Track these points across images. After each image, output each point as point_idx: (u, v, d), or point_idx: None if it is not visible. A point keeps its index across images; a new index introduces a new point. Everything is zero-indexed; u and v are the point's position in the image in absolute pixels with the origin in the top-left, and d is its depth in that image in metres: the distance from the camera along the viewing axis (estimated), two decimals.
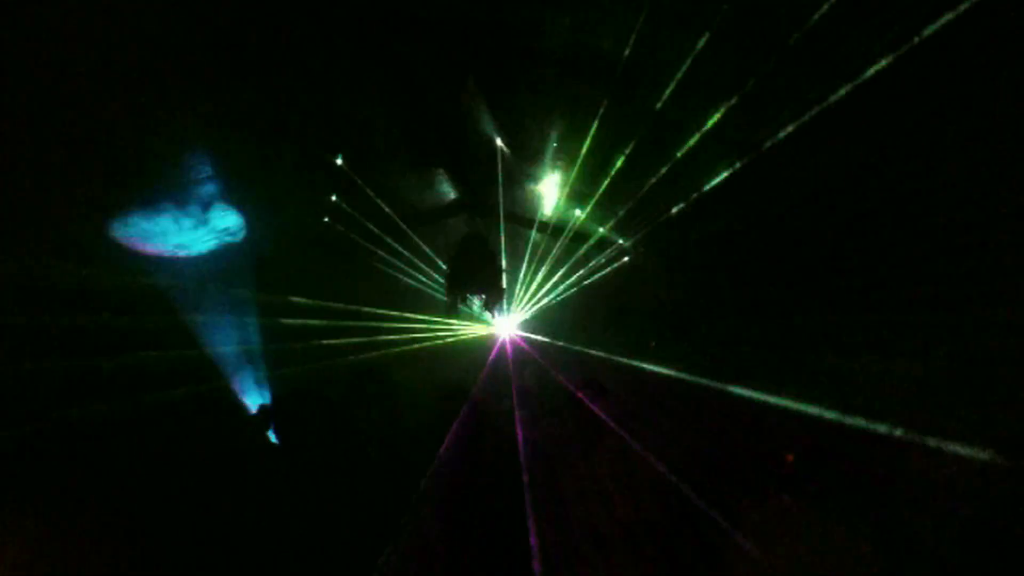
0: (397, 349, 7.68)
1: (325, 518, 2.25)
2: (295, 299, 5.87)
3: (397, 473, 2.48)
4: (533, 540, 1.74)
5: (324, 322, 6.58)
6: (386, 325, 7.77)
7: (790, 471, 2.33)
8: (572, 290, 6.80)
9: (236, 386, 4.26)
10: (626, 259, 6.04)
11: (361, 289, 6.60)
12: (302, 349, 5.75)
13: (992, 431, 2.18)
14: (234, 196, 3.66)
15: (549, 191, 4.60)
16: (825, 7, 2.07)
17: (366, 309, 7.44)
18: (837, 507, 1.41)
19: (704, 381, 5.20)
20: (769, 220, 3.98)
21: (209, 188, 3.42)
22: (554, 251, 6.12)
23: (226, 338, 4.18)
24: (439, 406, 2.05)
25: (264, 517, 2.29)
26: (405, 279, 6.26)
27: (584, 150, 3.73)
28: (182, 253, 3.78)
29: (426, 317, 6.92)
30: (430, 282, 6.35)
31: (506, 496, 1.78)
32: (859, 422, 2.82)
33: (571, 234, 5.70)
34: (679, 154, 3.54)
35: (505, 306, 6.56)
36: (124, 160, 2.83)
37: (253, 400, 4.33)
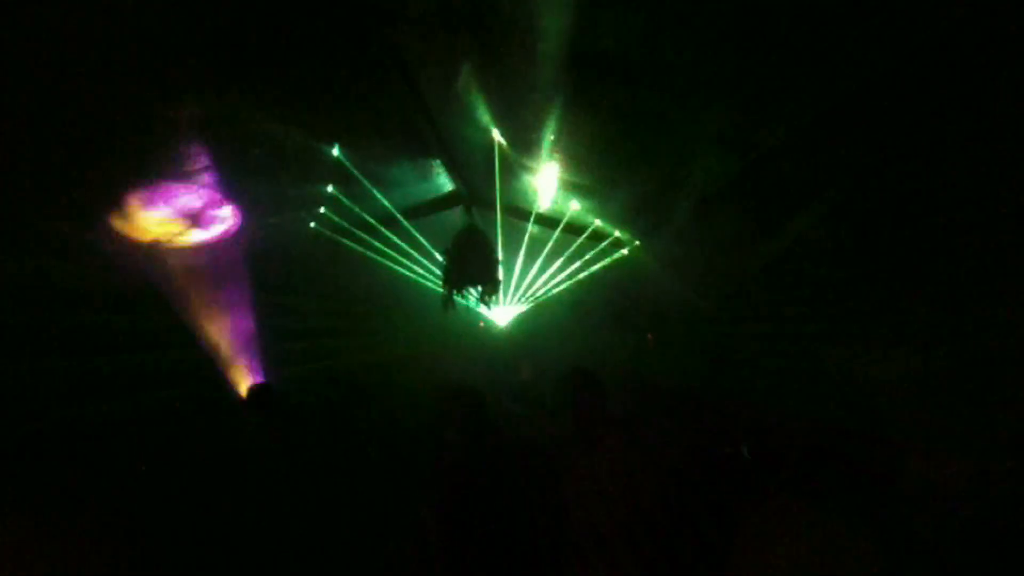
0: (397, 349, 7.68)
1: (325, 518, 2.25)
2: (294, 299, 5.87)
3: (397, 473, 2.48)
4: (533, 540, 1.74)
5: (324, 322, 6.59)
6: (386, 324, 7.77)
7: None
8: (569, 283, 6.79)
9: (236, 386, 4.26)
10: (624, 251, 6.03)
11: (360, 284, 6.58)
12: (302, 349, 5.75)
13: (992, 431, 2.19)
14: (233, 194, 3.67)
15: (547, 184, 4.59)
16: (825, 7, 2.06)
17: (365, 309, 7.44)
18: (837, 507, 1.41)
19: (704, 381, 5.21)
20: (768, 219, 3.99)
21: (208, 186, 3.42)
22: (551, 245, 6.09)
23: (225, 337, 4.19)
24: (439, 406, 2.05)
25: (264, 517, 2.29)
26: (403, 271, 6.23)
27: (583, 146, 3.73)
28: (182, 252, 3.78)
29: (425, 315, 6.89)
30: (427, 274, 6.32)
31: (506, 496, 1.77)
32: (859, 422, 2.83)
33: (568, 228, 5.69)
34: (679, 154, 3.55)
35: (502, 299, 6.51)
36: (124, 160, 2.83)
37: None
